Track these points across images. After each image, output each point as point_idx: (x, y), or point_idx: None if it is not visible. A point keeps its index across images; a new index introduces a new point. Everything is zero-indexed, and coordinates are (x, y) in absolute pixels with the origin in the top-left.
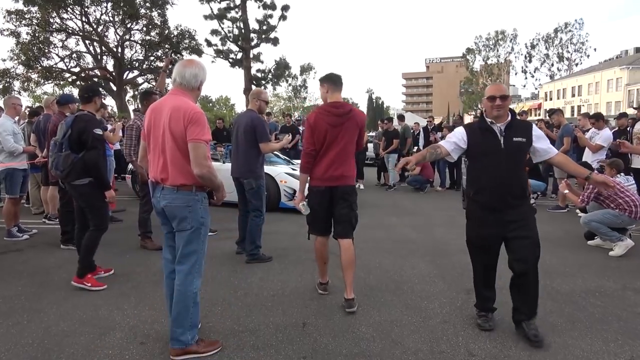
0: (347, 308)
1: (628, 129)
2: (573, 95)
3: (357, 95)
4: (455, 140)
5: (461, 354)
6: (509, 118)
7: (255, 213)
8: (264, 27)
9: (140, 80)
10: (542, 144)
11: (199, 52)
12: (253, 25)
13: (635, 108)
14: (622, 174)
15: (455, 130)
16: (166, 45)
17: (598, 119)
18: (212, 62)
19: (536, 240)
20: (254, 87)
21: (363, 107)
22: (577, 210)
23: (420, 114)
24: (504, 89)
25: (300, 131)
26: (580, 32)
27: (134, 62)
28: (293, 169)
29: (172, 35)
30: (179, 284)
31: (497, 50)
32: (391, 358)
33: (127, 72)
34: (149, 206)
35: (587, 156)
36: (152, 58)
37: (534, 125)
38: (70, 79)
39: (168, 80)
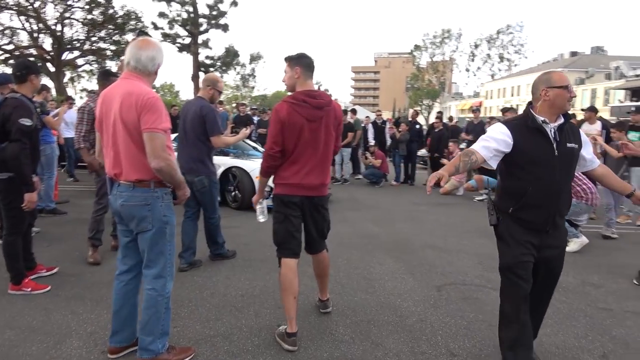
0: (322, 309)
1: None
2: (512, 95)
3: None
4: (495, 146)
5: (443, 354)
6: (562, 119)
7: (208, 213)
8: (214, 13)
9: (81, 61)
10: (589, 152)
11: (145, 36)
12: (203, 10)
13: (582, 110)
14: None
15: (494, 129)
16: (110, 26)
17: None
18: None
19: (559, 276)
20: (201, 74)
21: None
22: None
23: (367, 108)
24: None
25: (255, 121)
26: (520, 34)
27: (74, 42)
28: None
29: (117, 16)
30: (149, 287)
31: (443, 48)
32: None
33: (67, 52)
34: (103, 204)
35: None
36: (94, 38)
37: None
38: (2, 57)
39: None
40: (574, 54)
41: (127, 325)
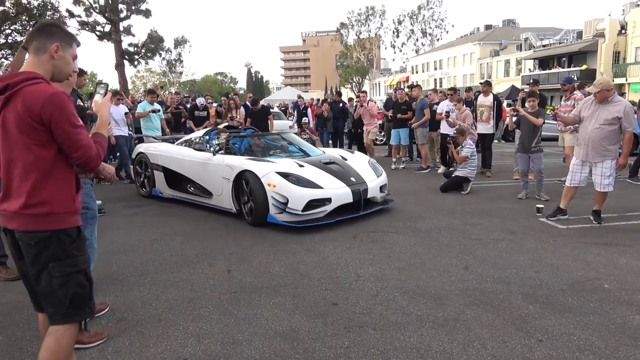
0: None
1: (474, 101)
2: (435, 69)
3: (236, 69)
4: None
5: (352, 276)
6: None
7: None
8: None
9: None
10: None
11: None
12: None
13: (481, 84)
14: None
15: None
16: (24, 18)
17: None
18: (77, 34)
19: None
20: (126, 62)
21: (242, 82)
22: (440, 170)
23: (299, 88)
24: None
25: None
26: (440, 9)
27: None
28: (300, 165)
29: (32, 7)
30: None
31: (368, 25)
32: (301, 285)
33: None
34: None
35: (445, 126)
36: (8, 31)
37: None
38: None
39: None
40: (488, 27)
41: None
